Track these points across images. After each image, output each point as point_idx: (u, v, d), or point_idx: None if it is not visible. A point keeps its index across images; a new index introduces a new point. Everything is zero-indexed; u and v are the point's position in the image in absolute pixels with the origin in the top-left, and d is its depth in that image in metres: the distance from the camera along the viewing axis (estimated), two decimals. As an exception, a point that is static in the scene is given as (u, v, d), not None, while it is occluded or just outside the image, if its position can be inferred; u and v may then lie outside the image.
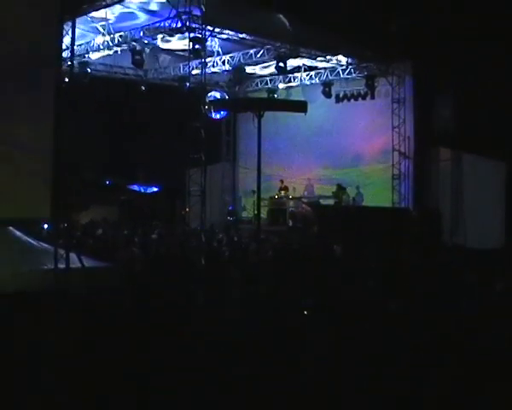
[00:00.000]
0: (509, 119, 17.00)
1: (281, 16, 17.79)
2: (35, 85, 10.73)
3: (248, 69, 22.60)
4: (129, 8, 17.38)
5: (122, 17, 17.73)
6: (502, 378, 6.41)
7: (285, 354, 7.19)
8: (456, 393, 6.13)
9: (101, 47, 18.59)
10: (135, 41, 17.86)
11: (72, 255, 10.95)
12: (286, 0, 17.60)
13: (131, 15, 17.73)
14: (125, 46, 18.33)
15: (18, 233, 11.59)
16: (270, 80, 24.25)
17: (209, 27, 16.45)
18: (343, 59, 20.72)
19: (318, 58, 20.76)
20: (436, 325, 8.33)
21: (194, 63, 17.74)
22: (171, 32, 16.88)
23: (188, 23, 15.87)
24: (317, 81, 22.82)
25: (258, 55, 19.72)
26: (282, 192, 22.76)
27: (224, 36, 17.82)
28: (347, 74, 21.87)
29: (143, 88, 22.66)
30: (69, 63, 12.46)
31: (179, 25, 16.07)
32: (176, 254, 15.07)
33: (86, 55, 19.42)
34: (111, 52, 19.02)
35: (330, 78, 22.35)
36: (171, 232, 19.65)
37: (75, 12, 12.68)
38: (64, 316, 8.38)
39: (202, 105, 16.64)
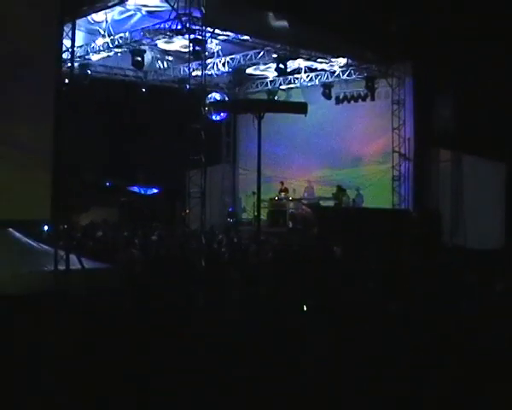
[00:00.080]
0: (509, 119, 16.99)
1: (281, 17, 17.78)
2: (35, 87, 10.74)
3: (248, 70, 22.64)
4: (129, 10, 17.37)
5: (122, 19, 17.72)
6: (502, 379, 6.41)
7: (285, 355, 7.18)
8: (456, 393, 6.13)
9: (102, 49, 18.59)
10: (135, 43, 17.86)
11: (72, 257, 10.95)
12: (286, 1, 17.59)
13: (131, 17, 17.72)
14: (125, 48, 18.34)
15: (18, 234, 11.59)
16: (271, 82, 24.25)
17: (209, 29, 16.46)
18: (343, 60, 20.70)
19: (318, 60, 20.75)
20: (436, 325, 8.33)
21: (194, 64, 17.74)
22: (172, 33, 16.88)
23: (188, 25, 15.88)
24: (317, 83, 22.83)
25: (259, 57, 19.73)
26: (282, 194, 22.76)
27: (224, 37, 17.82)
28: (347, 76, 21.87)
29: (143, 90, 22.67)
30: (69, 65, 12.46)
31: (179, 26, 16.07)
32: (176, 255, 15.07)
33: (86, 57, 19.41)
34: (111, 54, 19.02)
35: (330, 79, 22.36)
36: (171, 234, 19.65)
37: (75, 13, 12.68)
38: (64, 318, 8.38)
39: (202, 107, 16.65)
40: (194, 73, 17.78)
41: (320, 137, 23.44)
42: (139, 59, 18.37)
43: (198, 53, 16.51)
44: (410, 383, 6.35)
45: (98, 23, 17.81)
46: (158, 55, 21.20)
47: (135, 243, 16.14)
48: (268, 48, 18.88)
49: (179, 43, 18.33)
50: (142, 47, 18.36)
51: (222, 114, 23.68)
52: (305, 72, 22.78)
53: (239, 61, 20.51)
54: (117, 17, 17.65)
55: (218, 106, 21.49)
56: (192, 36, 16.20)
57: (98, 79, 21.14)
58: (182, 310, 9.40)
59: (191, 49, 16.37)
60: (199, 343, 7.54)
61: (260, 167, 12.06)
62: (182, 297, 10.32)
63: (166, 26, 16.39)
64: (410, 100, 20.71)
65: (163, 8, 16.50)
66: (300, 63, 21.75)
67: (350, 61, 20.71)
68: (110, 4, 16.51)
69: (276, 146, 23.76)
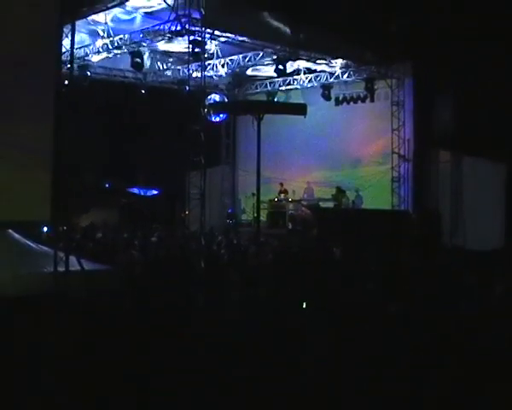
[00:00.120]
0: (509, 120, 16.99)
1: (280, 19, 17.77)
2: (35, 88, 10.74)
3: (248, 71, 22.66)
4: (128, 11, 17.36)
5: (121, 20, 17.71)
6: (502, 379, 6.41)
7: (284, 356, 7.18)
8: (457, 393, 6.13)
9: (101, 50, 18.58)
10: (134, 44, 17.85)
11: (72, 258, 10.94)
12: (285, 2, 17.58)
13: (131, 19, 17.71)
14: (124, 49, 18.33)
15: (17, 236, 11.58)
16: (270, 83, 24.25)
17: (208, 30, 16.45)
18: (342, 62, 20.70)
19: (318, 61, 20.75)
20: (436, 326, 8.33)
21: (193, 66, 17.74)
22: (171, 35, 16.87)
23: (187, 26, 15.88)
24: (316, 84, 22.83)
25: (258, 58, 19.73)
26: (282, 195, 22.79)
27: (224, 39, 17.82)
28: (347, 77, 21.88)
29: (143, 91, 22.67)
30: (69, 66, 12.46)
31: (179, 28, 16.07)
32: (175, 256, 15.06)
33: (86, 58, 19.40)
34: (110, 55, 19.02)
35: (330, 81, 22.35)
36: (170, 235, 19.65)
37: (75, 15, 12.68)
38: (63, 319, 8.37)
39: (202, 108, 16.65)
40: (194, 74, 17.80)
41: (319, 139, 23.44)
42: (138, 60, 18.36)
43: (197, 54, 16.51)
44: (410, 384, 6.35)
45: (98, 24, 17.79)
46: (157, 57, 21.19)
47: (135, 244, 16.13)
48: (267, 49, 18.88)
49: (182, 45, 18.29)
50: (142, 48, 18.35)
51: (221, 116, 23.70)
52: (305, 73, 22.79)
53: (238, 63, 20.52)
54: (116, 18, 17.60)
55: (217, 107, 21.49)
56: (191, 37, 16.22)
57: (98, 81, 21.14)
58: (181, 311, 9.39)
59: (190, 50, 16.39)
60: (199, 344, 7.54)
61: (260, 169, 12.07)
62: (181, 298, 10.32)
63: (166, 27, 16.39)
64: (410, 101, 20.71)
65: (161, 7, 16.48)
66: (300, 64, 21.75)
67: (349, 62, 20.71)
68: (110, 5, 16.51)
69: (276, 147, 23.76)
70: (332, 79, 22.25)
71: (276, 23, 17.79)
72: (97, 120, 21.72)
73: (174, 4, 15.56)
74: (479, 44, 16.83)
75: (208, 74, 20.07)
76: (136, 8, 17.12)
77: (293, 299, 10.19)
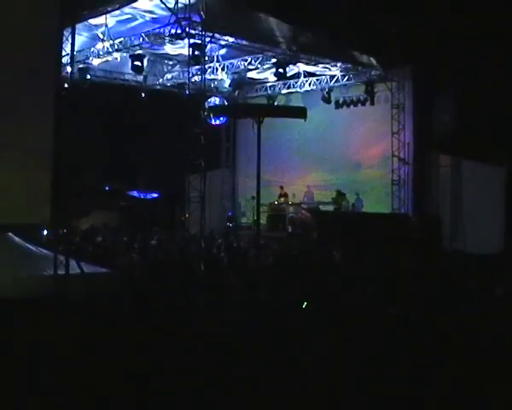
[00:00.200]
0: (510, 124, 16.99)
1: (280, 22, 17.80)
2: (35, 91, 10.75)
3: (248, 74, 22.70)
4: (129, 14, 17.38)
5: (122, 23, 17.73)
6: (502, 379, 6.42)
7: (284, 358, 7.18)
8: (457, 393, 6.14)
9: (101, 53, 18.60)
10: (134, 47, 17.88)
11: (72, 261, 10.93)
12: (285, 6, 17.61)
13: (131, 22, 17.73)
14: (124, 52, 18.35)
15: (17, 239, 11.57)
16: (270, 86, 24.26)
17: (209, 33, 16.47)
18: (342, 65, 20.72)
19: (318, 64, 20.76)
20: (436, 330, 8.33)
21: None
22: (171, 38, 16.89)
23: (188, 29, 15.89)
24: (317, 87, 22.83)
25: (258, 62, 19.75)
26: (282, 198, 22.81)
27: (224, 42, 17.84)
28: (347, 80, 21.89)
29: (143, 94, 22.69)
30: (69, 69, 12.48)
31: (179, 31, 16.09)
32: (175, 259, 15.06)
33: (86, 61, 19.42)
34: (110, 58, 19.04)
35: (330, 84, 22.36)
36: (170, 238, 19.64)
37: (75, 18, 12.68)
38: (63, 322, 8.37)
39: (202, 111, 16.65)
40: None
41: (319, 142, 23.46)
42: (138, 63, 18.38)
43: (198, 57, 16.53)
44: (410, 384, 6.35)
45: (98, 27, 17.80)
46: (157, 60, 21.23)
47: (134, 247, 16.13)
48: (267, 53, 18.90)
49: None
50: (142, 52, 18.38)
51: (221, 119, 23.71)
52: (305, 76, 22.80)
53: (238, 66, 20.54)
54: (116, 22, 17.62)
55: (217, 110, 21.49)
56: (192, 40, 16.25)
57: (98, 84, 21.16)
58: (181, 314, 9.39)
59: (191, 53, 16.42)
60: (198, 345, 7.54)
61: (260, 172, 12.07)
62: (181, 301, 10.32)
63: (166, 30, 16.41)
64: (410, 104, 20.71)
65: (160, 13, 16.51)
66: (300, 68, 21.77)
67: (349, 65, 20.73)
68: (110, 9, 16.53)
69: (276, 150, 23.79)
70: (332, 83, 22.25)
71: (276, 26, 17.82)
72: (97, 123, 21.74)
73: (174, 7, 15.58)
74: (479, 46, 16.84)
75: (209, 77, 20.10)
76: (137, 12, 17.14)
77: (292, 302, 10.19)
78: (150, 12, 17.01)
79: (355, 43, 18.91)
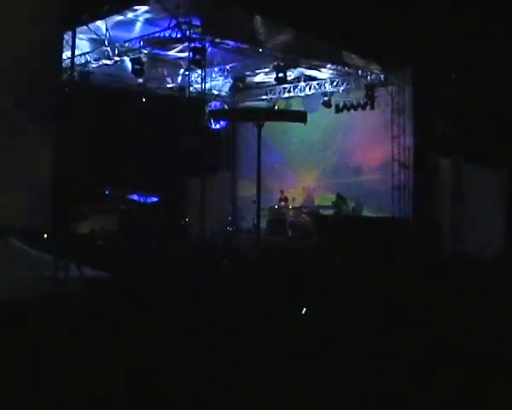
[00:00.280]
0: (510, 126, 16.98)
1: (280, 26, 17.81)
2: (35, 95, 10.74)
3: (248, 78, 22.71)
4: (129, 18, 17.38)
5: (122, 27, 17.73)
6: (502, 379, 6.42)
7: (284, 355, 7.20)
8: (457, 393, 6.14)
9: (102, 57, 18.61)
10: (135, 51, 17.88)
11: (72, 265, 10.92)
12: (285, 9, 17.61)
13: (131, 25, 17.73)
14: (125, 56, 18.36)
15: (17, 243, 11.57)
16: (270, 90, 24.27)
17: (209, 37, 16.48)
18: (342, 69, 20.73)
19: (318, 68, 20.78)
20: (436, 334, 8.34)
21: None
22: (171, 42, 16.90)
23: (188, 33, 15.90)
24: (317, 91, 22.83)
25: (258, 66, 19.77)
26: (282, 202, 22.81)
27: (224, 46, 17.84)
28: (347, 85, 21.91)
29: (143, 98, 22.69)
30: (70, 73, 12.49)
31: (179, 35, 16.10)
32: (175, 264, 15.05)
33: (86, 65, 19.43)
34: (111, 62, 19.04)
35: (330, 88, 22.37)
36: (170, 242, 19.63)
37: (75, 22, 12.69)
38: (63, 327, 8.36)
39: (202, 115, 16.67)
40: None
41: (320, 146, 23.49)
42: (139, 67, 18.39)
43: (198, 61, 16.54)
44: (410, 384, 6.36)
45: (98, 31, 17.80)
46: (158, 63, 21.23)
47: (134, 251, 16.12)
48: (267, 56, 18.91)
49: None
50: (142, 55, 18.38)
51: (222, 123, 23.71)
52: (305, 81, 22.82)
53: (238, 70, 20.56)
54: (117, 25, 17.61)
55: (217, 114, 21.52)
56: (192, 44, 16.26)
57: (98, 87, 21.16)
58: (181, 317, 9.40)
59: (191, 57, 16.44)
60: (198, 347, 7.55)
61: (260, 176, 12.10)
62: (181, 305, 10.32)
63: (166, 34, 16.41)
64: (410, 108, 20.70)
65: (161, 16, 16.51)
66: (300, 72, 21.79)
67: (349, 69, 20.73)
68: (110, 13, 16.54)
69: (276, 154, 23.80)
70: (332, 87, 22.26)
71: (275, 30, 17.82)
72: (98, 127, 21.72)
73: (174, 11, 15.59)
74: (478, 48, 16.83)
75: (209, 81, 20.12)
76: (137, 16, 17.14)
77: (292, 307, 10.20)
78: (150, 15, 17.00)
79: (354, 47, 18.90)
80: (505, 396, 6.03)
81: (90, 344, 7.53)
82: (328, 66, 20.49)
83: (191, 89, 18.00)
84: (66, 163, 11.32)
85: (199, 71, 17.89)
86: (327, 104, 22.66)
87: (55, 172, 10.90)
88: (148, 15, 16.89)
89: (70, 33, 12.05)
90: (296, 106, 23.71)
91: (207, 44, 16.75)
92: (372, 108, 21.90)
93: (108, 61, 18.94)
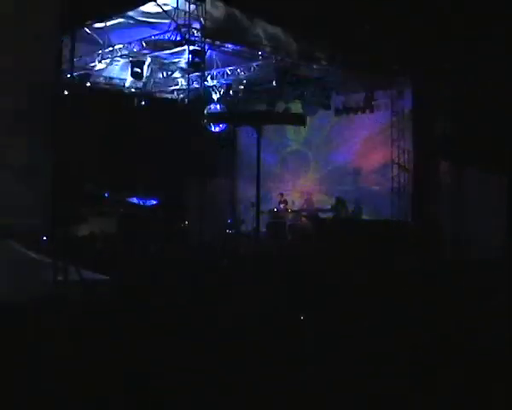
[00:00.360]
0: (510, 129, 16.98)
1: (280, 29, 17.83)
2: (34, 97, 10.74)
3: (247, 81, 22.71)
4: (129, 21, 17.40)
5: (122, 30, 17.74)
6: (502, 379, 6.42)
7: (284, 358, 7.20)
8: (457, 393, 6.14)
9: (101, 59, 18.62)
10: (134, 54, 17.89)
11: (71, 268, 10.91)
12: (285, 13, 17.62)
13: (131, 28, 17.74)
14: (124, 59, 18.37)
15: (16, 246, 11.54)
16: (270, 93, 24.23)
17: (209, 40, 16.50)
18: (342, 72, 20.74)
19: (318, 71, 20.79)
20: (436, 335, 8.34)
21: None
22: (171, 44, 16.91)
23: (187, 36, 15.91)
24: (316, 94, 22.80)
25: (258, 68, 19.77)
26: (282, 205, 22.80)
27: (224, 49, 17.86)
28: (347, 87, 21.90)
29: (143, 101, 22.70)
30: (69, 76, 12.50)
31: (179, 38, 16.11)
32: (174, 267, 15.05)
33: (86, 68, 19.44)
34: (110, 65, 19.06)
35: (330, 91, 22.36)
36: (169, 245, 19.63)
37: (75, 24, 12.70)
38: (61, 330, 8.34)
39: (201, 118, 16.68)
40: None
41: (319, 149, 23.51)
42: (138, 70, 18.40)
43: (197, 64, 16.55)
44: (410, 384, 6.36)
45: (98, 34, 17.82)
46: (157, 66, 21.25)
47: (133, 254, 16.12)
48: (267, 59, 18.93)
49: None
50: (142, 58, 18.40)
51: (221, 126, 23.71)
52: (305, 83, 22.79)
53: (238, 73, 20.56)
54: (116, 28, 17.63)
55: (216, 117, 21.48)
56: (192, 47, 16.28)
57: (98, 90, 21.17)
58: (180, 320, 9.39)
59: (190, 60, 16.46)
60: (197, 350, 7.54)
61: (260, 179, 12.05)
62: (181, 308, 10.31)
63: (166, 37, 16.42)
64: (410, 111, 20.72)
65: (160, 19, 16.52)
66: (299, 74, 21.79)
67: (349, 72, 20.74)
68: (110, 15, 16.55)
69: (276, 157, 23.80)
70: (332, 89, 22.26)
71: (276, 33, 17.84)
72: (97, 130, 21.73)
73: (174, 14, 15.61)
74: (479, 50, 16.84)
75: (208, 84, 20.14)
76: (137, 18, 17.15)
77: (292, 309, 10.20)
78: (150, 18, 17.01)
79: (355, 53, 18.90)
80: (505, 396, 6.02)
81: (90, 347, 7.51)
82: (328, 68, 20.47)
83: (190, 91, 18.00)
84: (65, 165, 11.32)
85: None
86: (326, 107, 22.65)
87: (54, 174, 10.90)
88: (147, 18, 16.90)
89: (69, 35, 12.05)
90: (295, 109, 23.69)
91: (207, 47, 16.76)
92: (372, 111, 21.91)
93: (108, 64, 18.95)
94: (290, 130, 21.33)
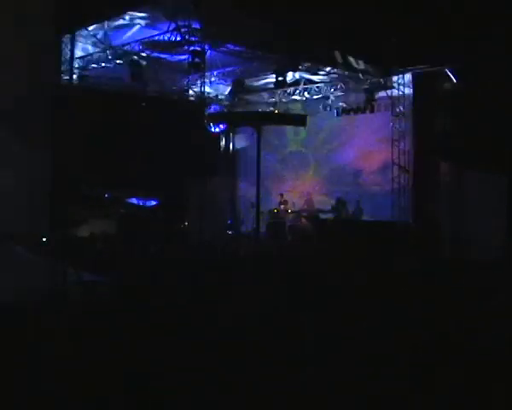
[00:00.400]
0: (510, 129, 16.98)
1: (280, 29, 17.81)
2: (34, 100, 10.76)
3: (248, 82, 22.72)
4: (128, 21, 17.39)
5: (121, 30, 17.73)
6: (502, 379, 6.42)
7: (284, 358, 7.20)
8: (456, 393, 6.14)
9: (100, 60, 18.60)
10: (134, 54, 17.88)
11: (71, 269, 10.92)
12: (285, 14, 17.61)
13: (131, 29, 17.73)
14: (124, 59, 18.35)
15: (16, 247, 11.55)
16: (270, 94, 24.25)
17: (208, 40, 16.48)
18: (343, 72, 20.74)
19: (318, 72, 20.78)
20: (436, 335, 8.34)
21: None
22: (171, 45, 16.90)
23: (187, 36, 15.90)
24: (317, 95, 22.82)
25: (258, 69, 19.76)
26: (282, 206, 22.79)
27: (224, 49, 17.84)
28: (347, 88, 21.90)
29: (143, 101, 22.68)
30: (68, 77, 12.50)
31: (178, 38, 16.10)
32: (174, 267, 15.04)
33: (85, 68, 19.41)
34: (110, 65, 19.03)
35: (330, 92, 22.37)
36: (169, 246, 19.62)
37: (73, 25, 12.71)
38: (61, 331, 8.35)
39: (201, 118, 16.67)
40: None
41: (320, 149, 23.49)
42: (138, 70, 18.38)
43: (197, 65, 16.54)
44: (409, 384, 6.36)
45: (97, 34, 17.80)
46: (156, 67, 21.23)
47: (133, 254, 16.10)
48: (267, 60, 18.91)
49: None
50: (141, 59, 18.38)
51: (221, 126, 23.70)
52: (305, 84, 22.81)
53: (238, 73, 20.55)
54: (116, 28, 17.62)
55: (217, 118, 21.50)
56: (191, 48, 16.27)
57: (97, 91, 21.14)
58: (180, 320, 9.39)
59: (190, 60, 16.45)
60: (197, 349, 7.54)
61: (260, 179, 12.10)
62: (181, 308, 10.31)
63: (165, 37, 16.41)
64: (410, 112, 20.70)
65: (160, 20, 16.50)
66: (300, 75, 21.80)
67: (349, 72, 20.74)
68: (109, 16, 16.53)
69: (276, 158, 23.79)
70: (332, 90, 22.27)
71: (276, 34, 17.82)
72: (96, 130, 21.72)
73: (174, 15, 15.60)
74: (479, 51, 16.83)
75: (208, 85, 20.13)
76: (136, 19, 17.14)
77: (292, 309, 10.20)
78: (150, 19, 17.00)
79: (355, 53, 18.90)
80: (505, 396, 6.02)
81: (90, 347, 7.51)
82: (328, 69, 20.47)
83: (190, 92, 17.97)
84: (65, 166, 11.33)
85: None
86: (327, 107, 22.66)
87: (54, 177, 10.92)
88: (147, 18, 16.88)
89: (69, 36, 12.06)
90: (296, 109, 23.70)
91: (207, 48, 16.75)
92: (372, 111, 21.91)
93: (107, 64, 18.94)
94: (290, 130, 21.31)
